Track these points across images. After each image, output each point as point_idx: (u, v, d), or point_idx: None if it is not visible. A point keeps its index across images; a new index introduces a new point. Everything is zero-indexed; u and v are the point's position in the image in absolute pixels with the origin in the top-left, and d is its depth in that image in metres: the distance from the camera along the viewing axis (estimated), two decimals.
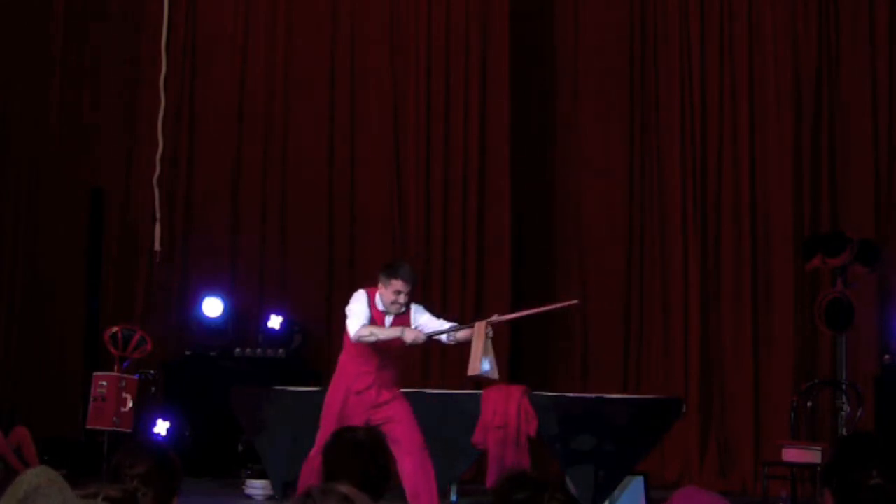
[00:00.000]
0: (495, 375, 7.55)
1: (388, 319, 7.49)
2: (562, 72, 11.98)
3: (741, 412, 11.12)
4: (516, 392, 8.86)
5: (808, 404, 9.91)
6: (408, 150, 12.00)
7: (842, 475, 3.24)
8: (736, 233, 11.37)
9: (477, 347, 7.32)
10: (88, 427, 10.67)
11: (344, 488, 2.62)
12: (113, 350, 10.83)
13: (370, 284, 7.61)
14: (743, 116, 11.43)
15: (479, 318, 11.43)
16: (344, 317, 7.56)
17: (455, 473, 9.21)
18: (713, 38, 11.54)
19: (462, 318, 11.52)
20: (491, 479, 8.54)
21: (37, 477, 2.82)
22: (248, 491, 10.04)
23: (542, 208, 11.92)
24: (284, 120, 12.38)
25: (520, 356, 11.60)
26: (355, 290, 7.66)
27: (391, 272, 7.38)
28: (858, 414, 9.61)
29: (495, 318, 7.62)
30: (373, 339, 7.35)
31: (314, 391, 9.65)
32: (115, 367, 10.74)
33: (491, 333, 7.39)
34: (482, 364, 7.34)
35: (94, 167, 12.43)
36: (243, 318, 11.90)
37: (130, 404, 10.54)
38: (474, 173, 11.84)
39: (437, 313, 7.88)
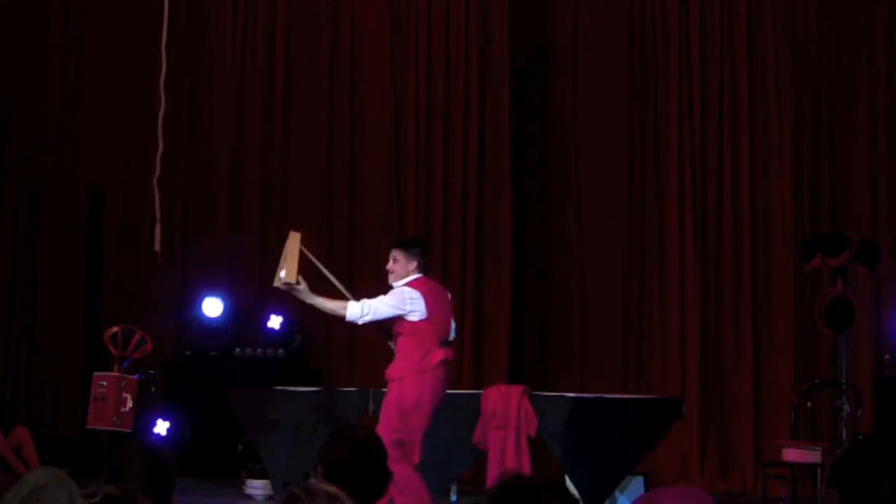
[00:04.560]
0: (292, 279, 7.55)
1: None
2: (562, 69, 11.97)
3: (741, 412, 11.11)
4: (516, 392, 8.86)
5: (808, 404, 9.90)
6: (408, 150, 12.01)
7: (851, 478, 3.23)
8: (736, 233, 11.36)
9: (293, 259, 7.46)
10: (88, 427, 10.67)
11: (329, 487, 2.61)
12: (113, 350, 10.83)
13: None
14: (743, 116, 11.42)
15: (479, 330, 11.57)
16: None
17: (455, 473, 9.21)
18: (713, 37, 11.53)
19: (462, 322, 11.56)
20: (491, 480, 8.53)
21: (43, 476, 2.83)
22: (248, 491, 10.04)
23: (543, 208, 11.91)
24: (284, 120, 12.38)
25: (520, 356, 11.60)
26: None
27: None
28: (858, 414, 9.60)
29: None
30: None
31: (314, 391, 9.66)
32: (115, 367, 10.74)
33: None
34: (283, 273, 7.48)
35: (94, 167, 12.42)
36: (243, 318, 11.89)
37: (130, 404, 10.54)
38: (474, 173, 11.84)
39: None
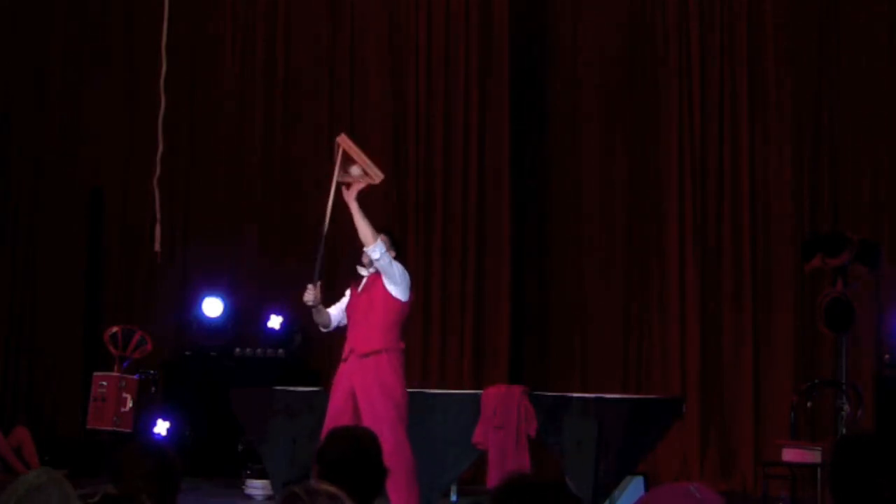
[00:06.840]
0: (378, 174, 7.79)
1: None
2: (562, 68, 11.97)
3: (741, 412, 11.11)
4: (516, 392, 8.85)
5: (808, 404, 9.90)
6: (408, 150, 12.01)
7: (843, 478, 3.22)
8: (736, 233, 11.35)
9: (361, 156, 7.63)
10: (88, 427, 10.68)
11: (329, 487, 2.60)
12: (113, 350, 10.83)
13: None
14: (742, 116, 11.42)
15: (479, 330, 11.57)
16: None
17: (455, 473, 9.20)
18: (713, 37, 11.53)
19: (462, 321, 11.57)
20: (491, 480, 8.53)
21: (38, 477, 2.83)
22: (248, 491, 10.04)
23: (543, 208, 11.91)
24: (284, 120, 12.39)
25: (520, 356, 11.60)
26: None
27: None
28: (858, 414, 9.59)
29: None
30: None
31: (314, 391, 9.65)
32: (115, 367, 10.75)
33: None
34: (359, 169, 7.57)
35: (94, 167, 12.44)
36: (243, 318, 11.90)
37: (130, 404, 10.54)
38: (474, 173, 11.84)
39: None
